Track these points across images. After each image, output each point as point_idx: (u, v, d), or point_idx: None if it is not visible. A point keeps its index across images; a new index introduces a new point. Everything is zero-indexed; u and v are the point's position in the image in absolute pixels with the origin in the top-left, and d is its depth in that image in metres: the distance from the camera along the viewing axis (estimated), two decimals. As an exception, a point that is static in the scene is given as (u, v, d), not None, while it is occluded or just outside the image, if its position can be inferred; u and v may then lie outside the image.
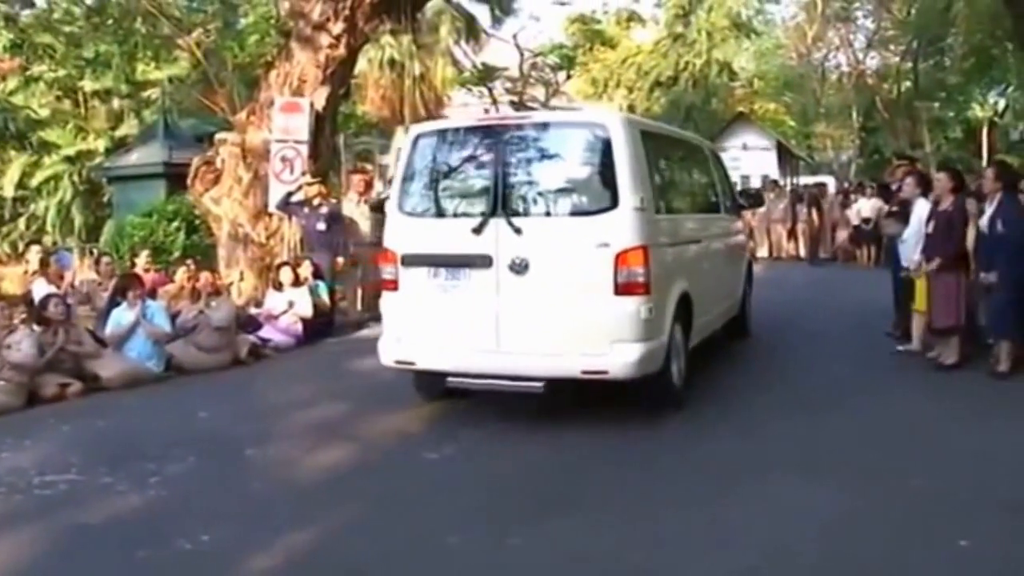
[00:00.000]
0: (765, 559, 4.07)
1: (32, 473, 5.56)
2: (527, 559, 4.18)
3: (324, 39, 11.97)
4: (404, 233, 6.63)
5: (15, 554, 4.37)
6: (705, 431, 6.23)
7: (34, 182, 20.91)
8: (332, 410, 7.09)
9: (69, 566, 4.30)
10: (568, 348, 6.06)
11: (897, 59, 36.43)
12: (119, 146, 20.09)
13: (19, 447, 6.23)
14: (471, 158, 6.62)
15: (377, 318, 11.57)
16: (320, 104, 12.08)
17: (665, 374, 6.37)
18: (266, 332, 9.94)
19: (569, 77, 31.47)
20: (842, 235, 19.18)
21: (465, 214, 6.45)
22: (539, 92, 28.68)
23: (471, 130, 6.84)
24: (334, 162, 14.20)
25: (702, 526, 4.50)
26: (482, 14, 26.40)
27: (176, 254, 13.90)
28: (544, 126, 6.74)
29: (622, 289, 5.95)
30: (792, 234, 20.56)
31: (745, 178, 26.81)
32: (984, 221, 7.58)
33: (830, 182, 27.16)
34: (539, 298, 6.11)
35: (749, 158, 29.66)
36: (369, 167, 20.42)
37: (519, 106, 26.69)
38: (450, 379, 6.46)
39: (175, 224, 14.66)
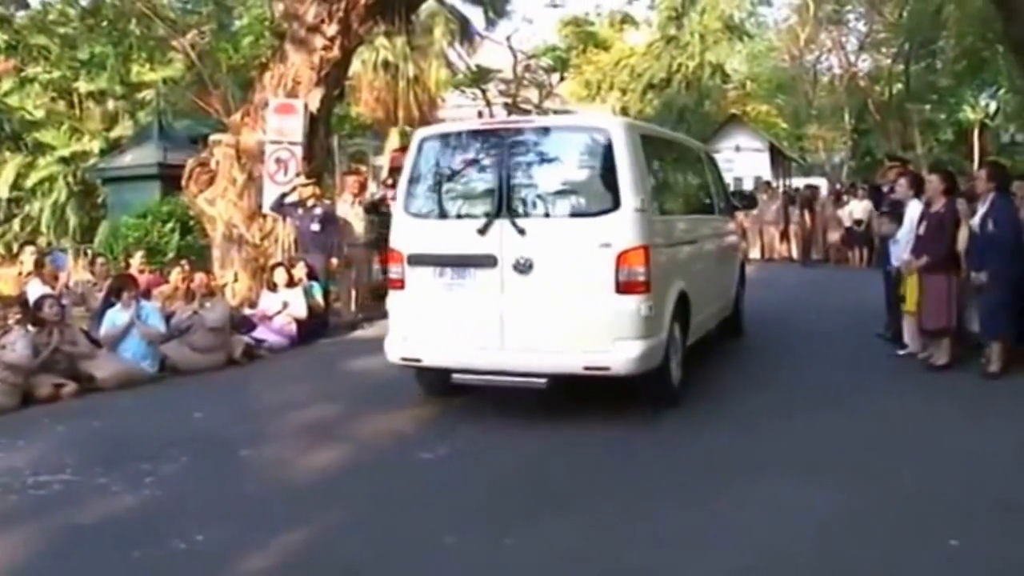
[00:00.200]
0: (762, 559, 4.09)
1: (27, 473, 5.57)
2: (524, 559, 4.19)
3: (318, 41, 11.97)
4: (410, 234, 6.79)
5: (10, 554, 4.37)
6: (701, 430, 6.28)
7: (29, 183, 20.84)
8: (326, 410, 7.11)
9: (64, 566, 4.31)
10: (571, 345, 6.22)
11: (889, 61, 36.57)
12: (114, 147, 20.04)
13: (13, 447, 6.23)
14: (476, 161, 6.78)
15: (370, 319, 11.76)
16: (314, 106, 12.09)
17: (664, 371, 6.51)
18: (260, 333, 9.93)
19: (562, 79, 31.45)
20: (834, 236, 19.23)
21: (470, 215, 6.60)
22: (532, 94, 28.65)
23: (475, 133, 7.01)
24: (328, 163, 14.19)
25: (699, 525, 4.53)
26: (476, 16, 26.50)
27: (170, 255, 13.87)
28: (547, 130, 6.89)
29: (623, 288, 6.11)
30: (784, 235, 20.59)
31: (738, 180, 26.86)
32: (976, 221, 7.62)
33: (822, 184, 27.21)
34: (542, 296, 6.28)
35: (742, 160, 29.71)
36: (363, 168, 20.42)
37: (513, 108, 26.68)
38: (455, 375, 6.59)
39: (169, 225, 14.64)
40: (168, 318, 9.09)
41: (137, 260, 11.80)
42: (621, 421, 6.37)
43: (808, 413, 6.67)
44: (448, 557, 4.23)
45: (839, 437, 6.04)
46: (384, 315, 11.65)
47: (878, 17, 36.66)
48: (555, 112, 25.93)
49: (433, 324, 6.64)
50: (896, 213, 8.77)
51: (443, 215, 6.78)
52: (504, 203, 6.39)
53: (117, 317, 8.55)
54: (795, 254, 20.12)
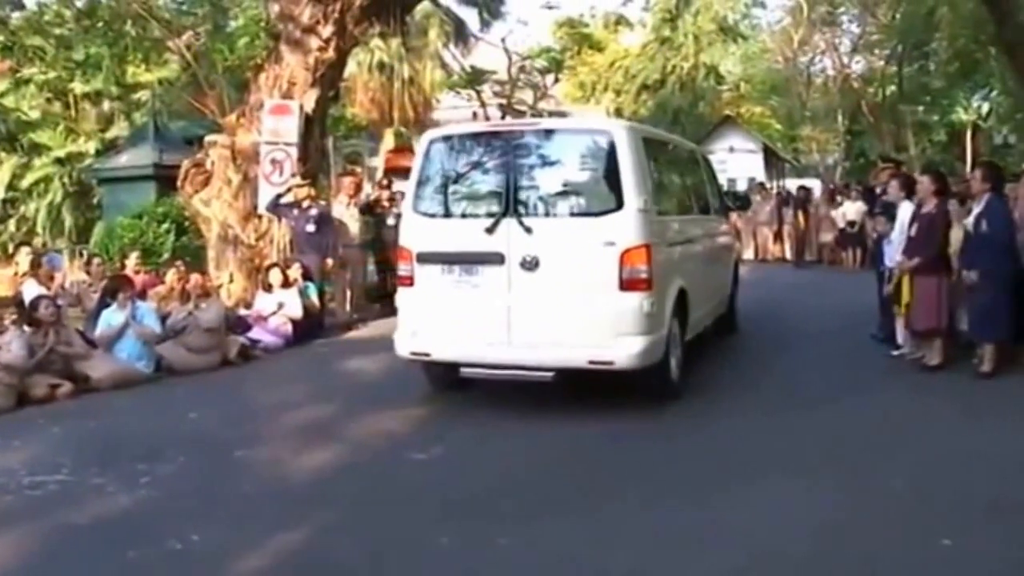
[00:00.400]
0: (754, 559, 4.11)
1: (22, 474, 5.57)
2: (518, 559, 4.21)
3: (313, 42, 11.97)
4: (419, 232, 6.97)
5: (5, 554, 4.38)
6: (695, 430, 6.33)
7: (24, 184, 20.78)
8: (321, 411, 7.12)
9: (59, 566, 4.32)
10: (576, 340, 6.44)
11: (882, 63, 36.65)
12: (109, 148, 19.99)
13: (9, 448, 6.23)
14: (483, 162, 6.99)
15: (365, 319, 11.79)
16: (309, 106, 12.08)
17: (664, 365, 6.74)
18: (255, 333, 9.95)
19: (557, 80, 31.54)
20: (827, 237, 19.27)
21: (478, 214, 6.80)
22: (527, 95, 28.72)
23: (483, 135, 7.27)
24: (323, 164, 14.16)
25: (691, 526, 4.55)
26: (471, 18, 26.49)
27: (166, 255, 13.88)
28: (552, 132, 7.13)
29: (626, 285, 6.34)
30: (778, 236, 20.63)
31: (731, 181, 26.97)
32: (970, 221, 7.64)
33: (816, 185, 27.31)
34: (548, 293, 6.50)
35: (736, 161, 29.85)
36: (358, 170, 20.41)
37: (507, 109, 26.72)
38: (463, 369, 6.78)
39: (165, 226, 14.64)
40: (163, 319, 9.10)
41: (133, 261, 11.82)
42: (613, 423, 6.40)
43: (803, 412, 6.72)
44: (442, 557, 4.24)
45: (833, 437, 6.08)
46: (378, 316, 11.88)
47: (871, 19, 36.77)
48: (550, 113, 26.02)
49: (442, 319, 6.84)
50: (890, 214, 8.81)
51: (451, 214, 6.99)
52: (511, 203, 6.60)
53: (112, 318, 8.56)
54: (788, 255, 20.16)
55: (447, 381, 7.25)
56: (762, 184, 25.77)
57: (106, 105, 21.77)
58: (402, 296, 7.08)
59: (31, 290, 9.59)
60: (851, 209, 17.74)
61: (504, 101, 27.08)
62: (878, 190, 11.47)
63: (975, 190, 7.87)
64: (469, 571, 4.14)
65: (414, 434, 6.39)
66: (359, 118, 23.17)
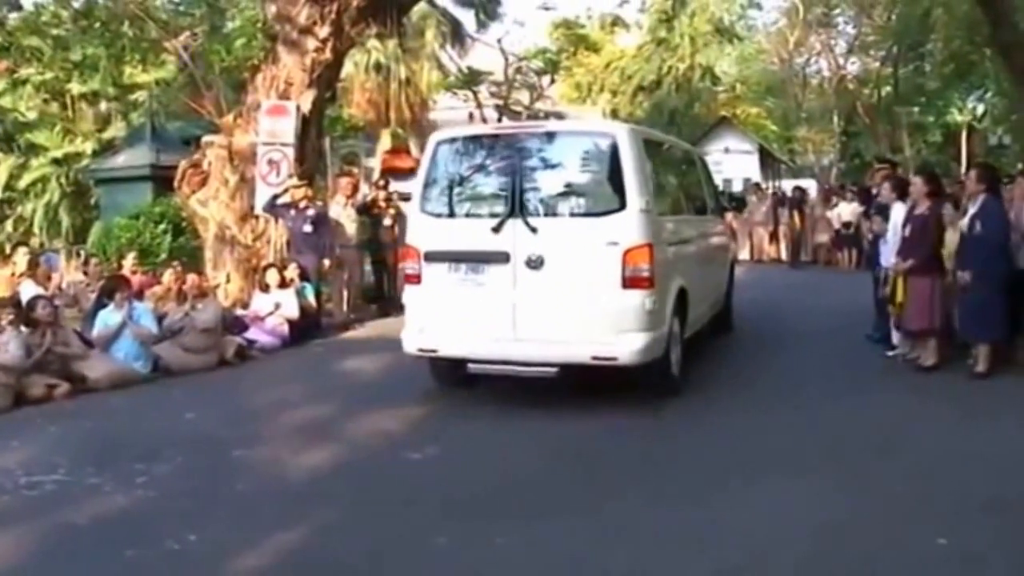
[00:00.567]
0: (751, 558, 4.13)
1: (19, 474, 5.58)
2: (515, 559, 4.22)
3: (310, 43, 11.98)
4: (426, 232, 7.11)
5: (2, 554, 4.38)
6: (694, 428, 6.37)
7: (21, 184, 20.74)
8: (318, 411, 7.13)
9: (56, 566, 4.32)
10: (579, 336, 6.62)
11: (877, 64, 36.70)
12: (106, 148, 19.95)
13: (6, 448, 6.23)
14: (489, 163, 7.13)
15: (362, 320, 11.80)
16: (306, 107, 12.09)
17: (665, 361, 6.90)
18: (252, 333, 9.95)
19: (553, 81, 31.50)
20: (823, 238, 19.30)
21: (484, 214, 6.93)
22: (524, 96, 28.69)
23: (488, 137, 7.49)
24: (320, 165, 14.19)
25: (689, 525, 4.56)
26: (467, 19, 26.47)
27: (163, 256, 13.85)
28: (556, 135, 7.32)
29: (629, 283, 6.50)
30: (774, 237, 20.65)
31: (727, 181, 26.99)
32: (965, 222, 7.66)
33: (812, 186, 27.36)
34: (553, 291, 6.65)
35: (731, 161, 29.87)
36: (355, 170, 20.39)
37: (504, 110, 26.71)
38: (470, 365, 6.92)
39: (162, 226, 14.61)
40: (160, 319, 9.11)
41: (130, 261, 11.80)
42: (610, 422, 6.43)
43: (801, 412, 6.76)
44: (440, 557, 4.24)
45: (831, 436, 6.10)
46: (374, 316, 11.89)
47: (867, 20, 36.83)
48: (547, 114, 26.02)
49: (449, 316, 6.97)
50: (885, 215, 8.83)
51: (458, 214, 7.13)
52: (517, 203, 6.74)
53: (109, 318, 8.56)
54: (784, 256, 20.17)
55: (453, 378, 7.37)
56: (758, 185, 25.81)
57: (103, 106, 21.74)
58: (409, 294, 7.21)
59: (28, 290, 9.59)
60: (846, 210, 17.75)
61: (501, 102, 27.05)
62: (874, 191, 11.49)
63: (970, 191, 7.91)
64: (468, 570, 4.14)
65: (412, 433, 6.41)
66: (356, 119, 23.15)
